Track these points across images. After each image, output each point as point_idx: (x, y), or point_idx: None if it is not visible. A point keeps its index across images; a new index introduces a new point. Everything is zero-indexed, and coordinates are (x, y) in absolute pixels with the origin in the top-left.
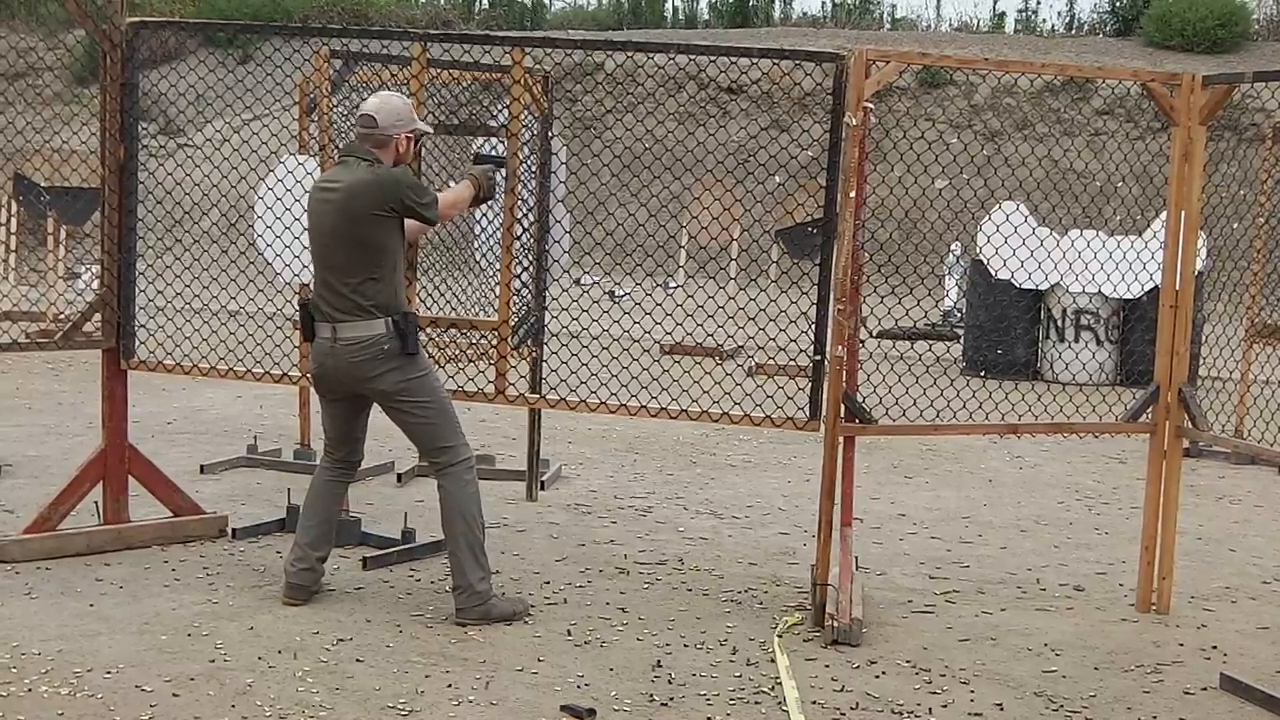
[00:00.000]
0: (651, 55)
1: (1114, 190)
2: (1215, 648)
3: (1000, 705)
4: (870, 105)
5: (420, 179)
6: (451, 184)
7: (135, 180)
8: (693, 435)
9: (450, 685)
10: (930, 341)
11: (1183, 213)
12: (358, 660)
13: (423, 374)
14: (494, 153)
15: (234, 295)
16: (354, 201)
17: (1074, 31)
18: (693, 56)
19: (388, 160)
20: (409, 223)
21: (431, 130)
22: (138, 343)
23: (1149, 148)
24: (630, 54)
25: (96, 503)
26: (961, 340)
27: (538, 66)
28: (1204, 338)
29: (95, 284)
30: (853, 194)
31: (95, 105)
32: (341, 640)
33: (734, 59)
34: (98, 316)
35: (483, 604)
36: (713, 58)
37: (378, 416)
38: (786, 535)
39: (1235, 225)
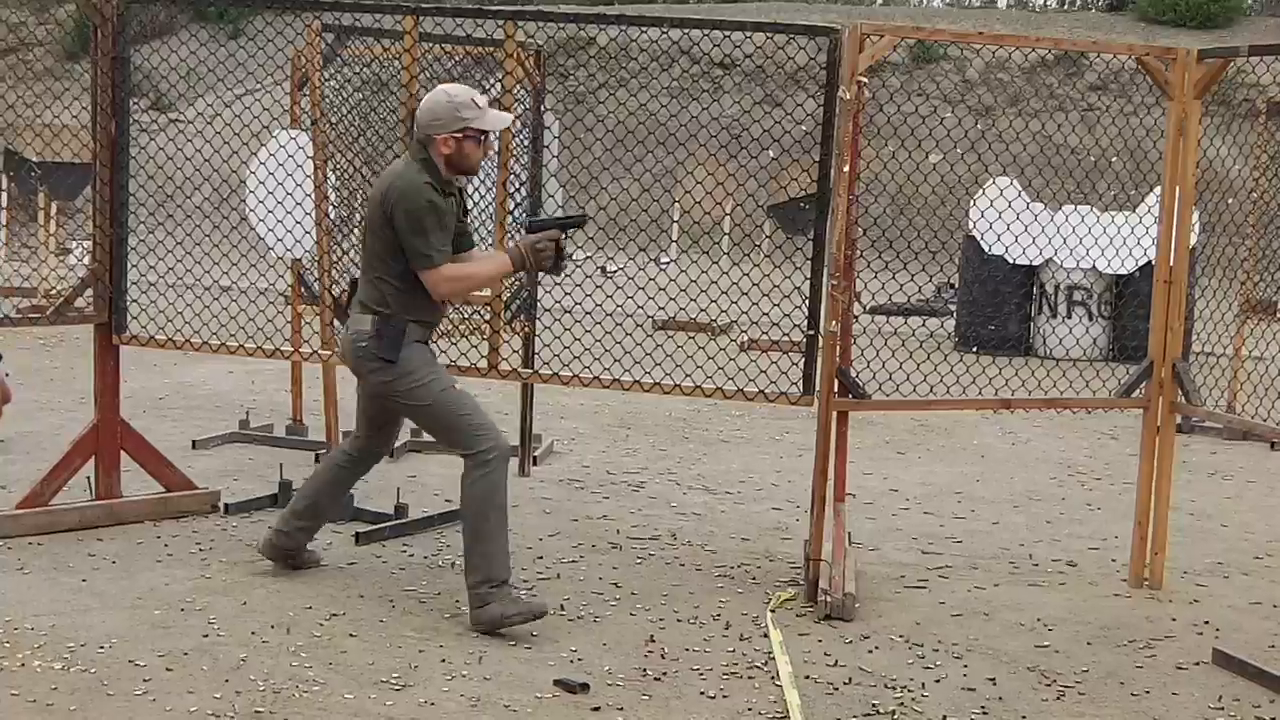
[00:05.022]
0: (645, 29)
1: (1107, 166)
2: (1208, 623)
3: (993, 680)
4: (864, 80)
5: (438, 223)
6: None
7: (127, 155)
8: (685, 410)
9: (444, 660)
10: (924, 317)
11: (1177, 188)
12: (351, 635)
13: (409, 380)
14: (560, 213)
15: (226, 270)
16: (379, 194)
17: (1067, 7)
18: (686, 31)
19: (439, 162)
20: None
21: (500, 125)
22: (129, 318)
23: (1142, 123)
24: (623, 28)
25: (89, 478)
26: (954, 316)
27: (530, 40)
28: (1197, 313)
29: (87, 259)
30: (846, 169)
31: (86, 80)
32: (335, 615)
33: (727, 33)
34: (89, 292)
35: (480, 607)
36: (706, 31)
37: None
38: (779, 511)
39: (1230, 200)
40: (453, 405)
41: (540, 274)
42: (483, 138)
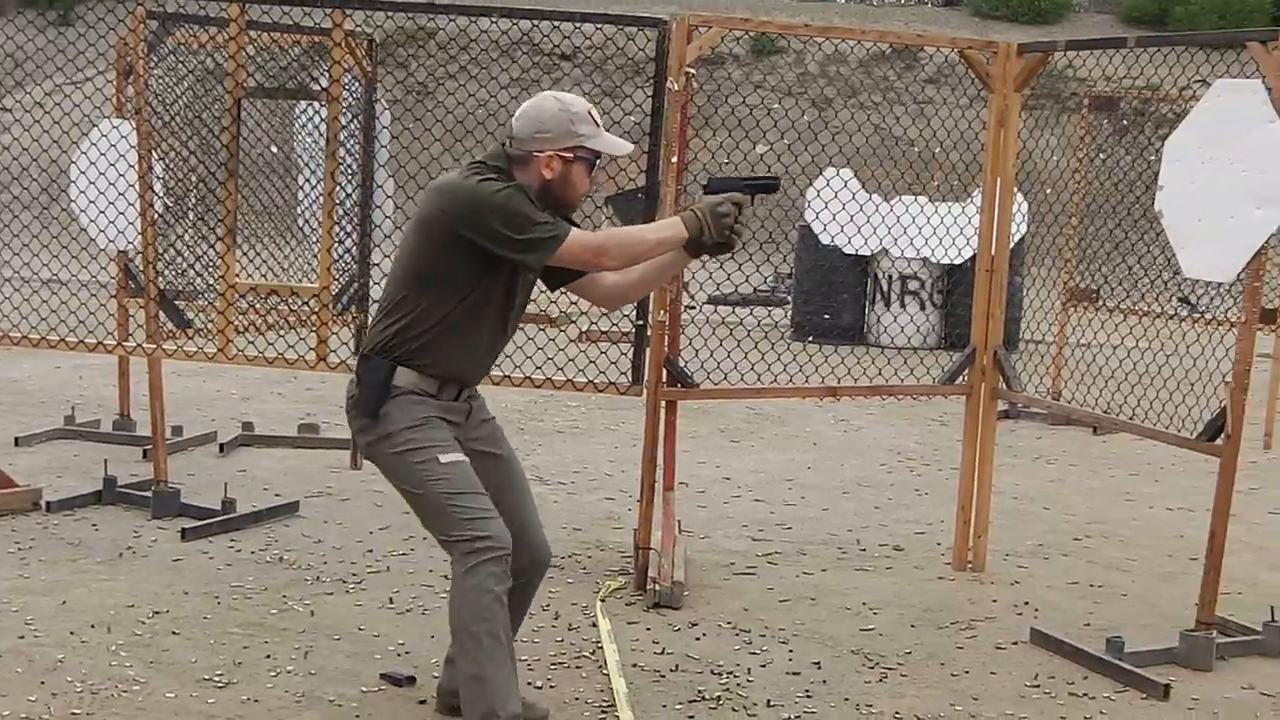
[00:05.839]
0: (475, 20)
1: (938, 157)
2: (1027, 603)
3: (818, 663)
4: (692, 70)
5: (529, 202)
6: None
7: None
8: (521, 402)
9: (269, 656)
10: (763, 307)
11: (998, 179)
12: (173, 633)
13: (387, 443)
14: (765, 177)
15: (46, 262)
16: (421, 205)
17: (904, 1)
18: (515, 21)
19: (531, 187)
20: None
21: (620, 151)
22: None
23: (967, 116)
24: (453, 18)
25: None
26: (790, 305)
27: (360, 29)
28: (1025, 302)
29: None
30: (674, 159)
31: None
32: (157, 613)
33: (557, 23)
34: None
35: None
36: (535, 22)
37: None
38: (612, 500)
39: (1048, 190)
40: (431, 480)
41: (707, 255)
42: (594, 163)
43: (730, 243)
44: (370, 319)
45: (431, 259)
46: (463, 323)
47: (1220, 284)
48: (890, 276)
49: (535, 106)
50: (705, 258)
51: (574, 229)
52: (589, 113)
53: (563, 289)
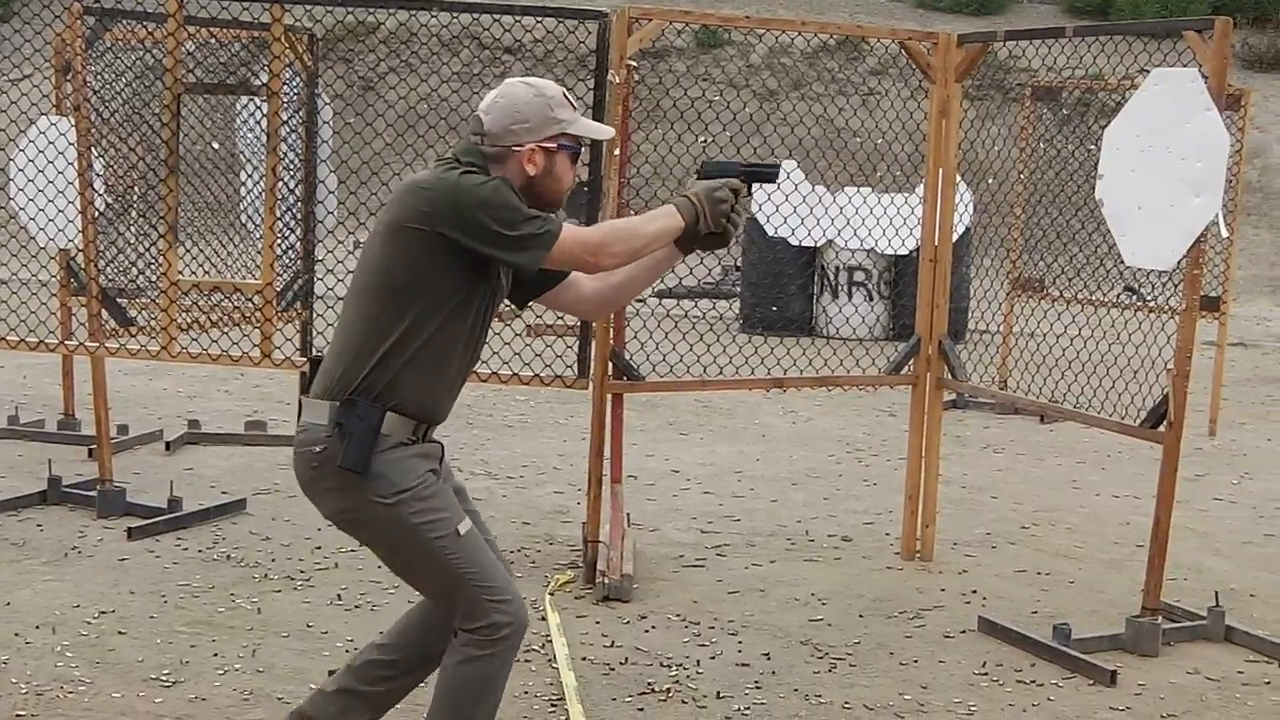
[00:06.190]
0: (416, 14)
1: (880, 148)
2: (975, 592)
3: (767, 655)
4: (633, 63)
5: (517, 196)
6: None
7: None
8: (469, 397)
9: (216, 654)
10: (712, 300)
11: (940, 170)
12: (120, 632)
13: (384, 508)
14: (764, 165)
15: None
16: (391, 208)
17: None
18: (456, 15)
19: (514, 185)
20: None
21: (603, 136)
22: None
23: (909, 107)
24: (393, 12)
25: None
26: (739, 298)
27: (298, 23)
28: (972, 292)
29: None
30: (616, 152)
31: None
32: (104, 613)
33: (498, 16)
34: None
35: None
36: (476, 15)
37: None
38: (561, 494)
39: (990, 180)
40: (451, 557)
41: (700, 248)
42: (578, 152)
43: (726, 234)
44: (319, 341)
45: (410, 269)
46: (442, 345)
47: (1164, 272)
48: (837, 268)
49: (506, 95)
50: (697, 251)
51: (566, 224)
52: (564, 96)
53: (533, 302)
